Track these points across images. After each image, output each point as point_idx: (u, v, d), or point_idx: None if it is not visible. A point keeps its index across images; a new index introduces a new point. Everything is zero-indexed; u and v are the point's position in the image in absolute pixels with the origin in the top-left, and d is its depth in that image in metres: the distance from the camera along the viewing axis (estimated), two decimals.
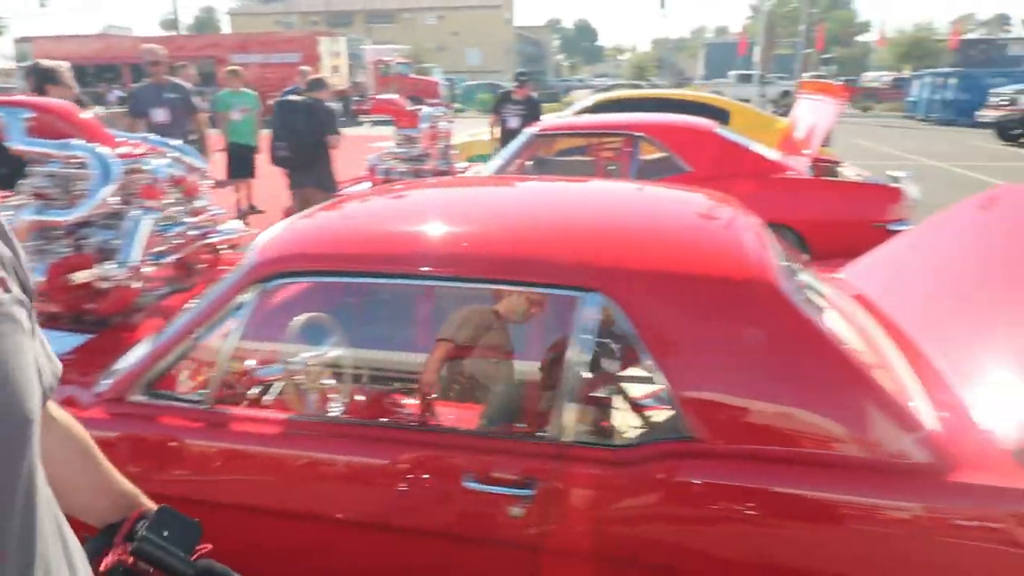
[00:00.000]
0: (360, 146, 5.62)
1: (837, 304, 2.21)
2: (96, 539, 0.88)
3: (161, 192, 2.42)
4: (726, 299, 1.47)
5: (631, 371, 1.49)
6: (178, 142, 2.83)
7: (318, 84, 5.00)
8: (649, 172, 4.83)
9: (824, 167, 5.60)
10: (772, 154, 4.91)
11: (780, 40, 43.53)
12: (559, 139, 5.32)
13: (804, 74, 35.81)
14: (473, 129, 9.95)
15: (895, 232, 4.41)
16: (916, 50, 39.12)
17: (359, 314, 1.95)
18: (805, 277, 2.28)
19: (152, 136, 2.77)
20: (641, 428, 1.54)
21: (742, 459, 1.41)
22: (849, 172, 5.31)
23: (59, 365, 0.74)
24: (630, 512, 1.44)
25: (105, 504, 0.90)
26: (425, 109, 5.70)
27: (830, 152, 7.38)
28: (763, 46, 29.30)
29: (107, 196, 2.27)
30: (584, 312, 1.51)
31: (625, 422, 1.57)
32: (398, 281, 1.57)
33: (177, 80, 5.28)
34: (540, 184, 2.28)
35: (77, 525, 0.74)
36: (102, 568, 0.85)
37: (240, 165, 7.29)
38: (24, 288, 0.66)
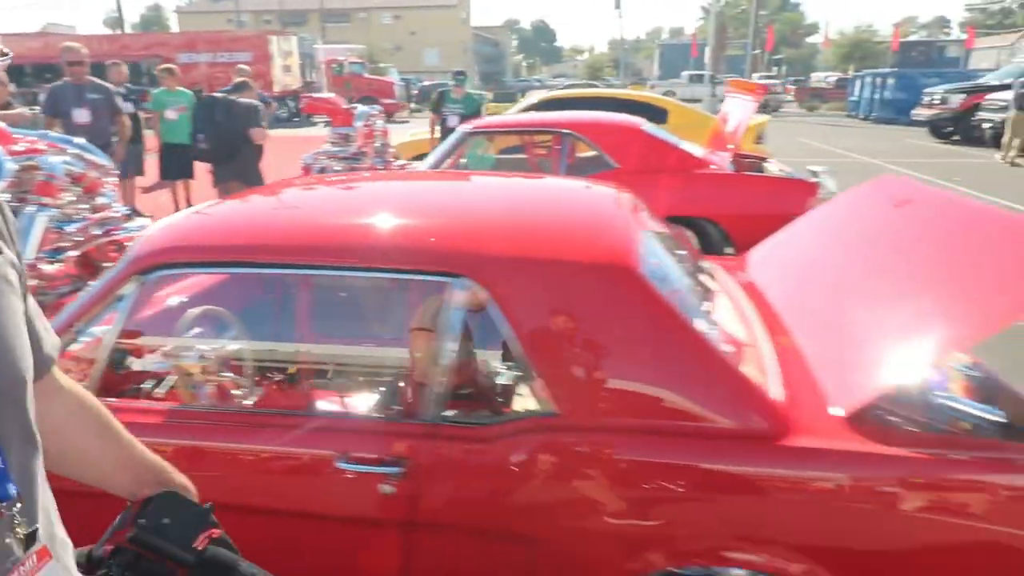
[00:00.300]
0: (312, 146, 5.62)
1: (725, 289, 2.33)
2: (117, 520, 0.86)
3: (58, 189, 2.40)
4: (586, 282, 1.55)
5: (498, 352, 1.57)
6: (81, 140, 2.80)
7: (242, 87, 5.06)
8: (578, 168, 4.94)
9: (750, 163, 5.80)
10: (697, 150, 5.07)
11: (731, 41, 44.53)
12: (493, 137, 5.40)
13: (755, 75, 36.78)
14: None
15: None
16: (857, 51, 40.55)
17: (246, 305, 1.97)
18: (700, 266, 2.40)
19: (52, 133, 2.74)
20: (508, 406, 1.62)
21: (600, 432, 1.50)
22: (773, 168, 5.51)
23: (57, 339, 0.74)
24: (497, 486, 1.51)
25: (128, 478, 0.88)
26: (360, 108, 5.72)
27: (763, 149, 7.64)
28: (713, 47, 29.98)
29: None
30: (450, 296, 1.57)
31: (493, 401, 1.64)
32: (272, 271, 1.61)
33: (99, 80, 5.18)
34: (425, 178, 2.34)
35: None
36: (103, 555, 0.83)
37: (177, 165, 7.17)
38: (17, 255, 0.67)
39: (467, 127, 5.07)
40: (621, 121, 5.10)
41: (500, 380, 1.66)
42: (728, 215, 4.68)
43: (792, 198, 4.69)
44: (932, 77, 19.75)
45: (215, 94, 5.08)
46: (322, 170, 5.58)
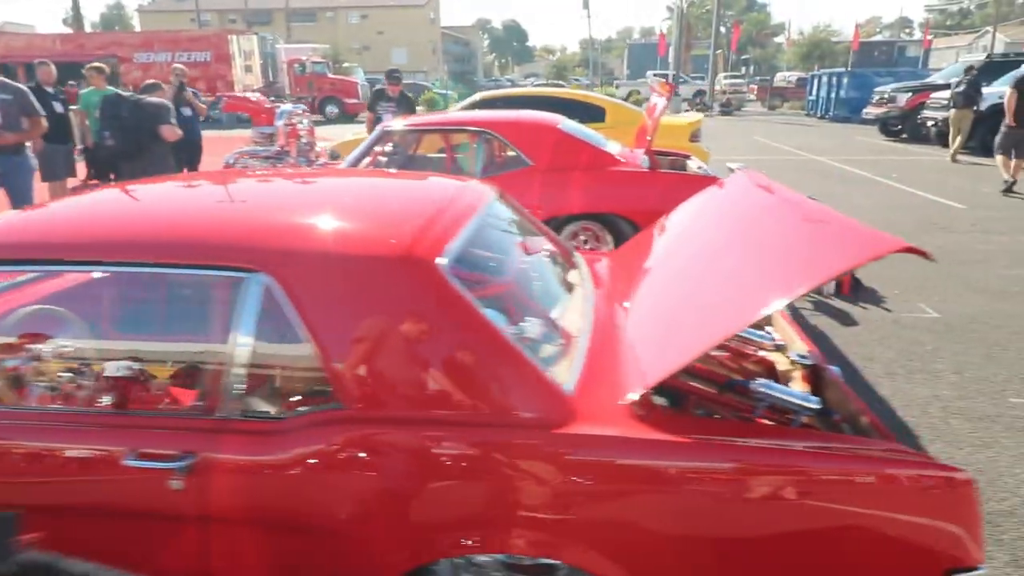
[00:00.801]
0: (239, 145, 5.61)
1: (577, 282, 2.37)
2: None
3: None
4: (374, 275, 1.57)
5: (291, 347, 1.58)
6: None
7: (152, 87, 5.04)
8: (495, 166, 4.98)
9: (673, 161, 5.89)
10: (614, 148, 5.13)
11: (698, 41, 44.95)
12: (412, 136, 5.41)
13: (721, 74, 37.24)
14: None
15: None
16: (816, 51, 41.28)
17: (53, 302, 1.96)
18: (560, 261, 2.44)
19: None
20: (297, 400, 1.63)
21: (383, 423, 1.52)
22: (693, 165, 5.60)
23: None
24: (284, 480, 1.52)
25: None
26: (283, 106, 5.69)
27: (698, 147, 7.75)
28: (677, 47, 30.29)
29: None
30: (247, 291, 1.58)
31: (283, 395, 1.66)
32: (72, 268, 1.61)
33: (10, 81, 5.06)
34: (261, 176, 2.34)
35: None
36: None
37: (106, 165, 7.06)
38: None
39: (383, 126, 5.08)
40: (537, 120, 5.14)
41: (292, 374, 1.68)
42: (639, 211, 4.74)
43: None
44: (885, 76, 20.19)
45: (121, 92, 5.03)
46: (244, 168, 5.54)
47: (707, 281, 1.97)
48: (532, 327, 1.85)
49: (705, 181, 4.88)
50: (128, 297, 1.90)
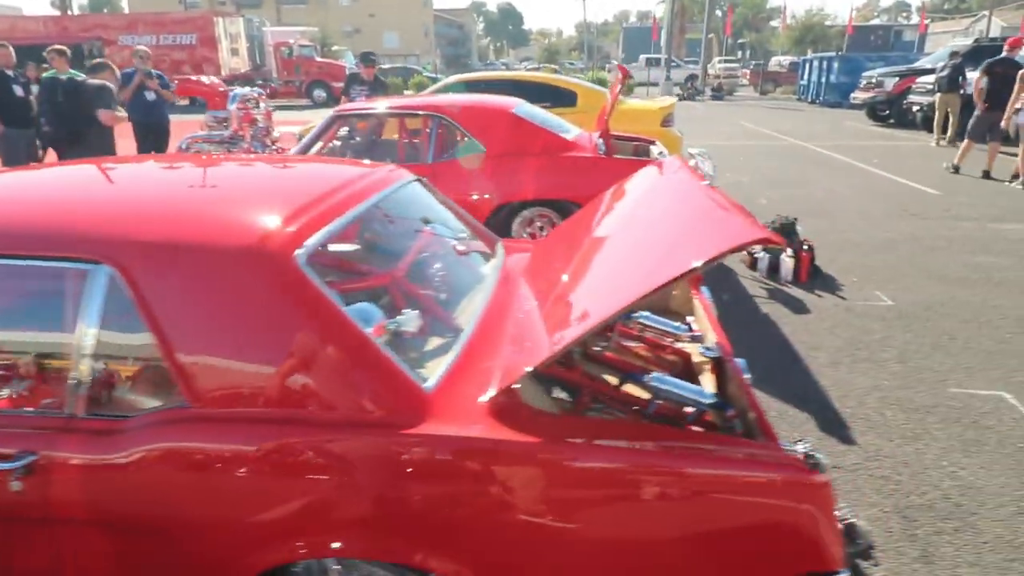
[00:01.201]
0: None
1: (487, 273, 2.30)
2: None
3: None
4: (221, 269, 1.50)
5: (136, 342, 1.52)
6: None
7: (100, 67, 4.85)
8: (448, 151, 4.89)
9: (636, 146, 5.80)
10: (570, 133, 5.04)
11: (693, 24, 44.47)
12: (365, 120, 5.31)
13: (716, 58, 36.92)
14: None
15: None
16: (808, 35, 40.91)
17: None
18: (474, 251, 2.37)
19: None
20: (142, 398, 1.57)
21: (228, 422, 1.46)
22: (654, 151, 5.51)
23: None
24: (128, 480, 1.47)
25: None
26: (236, 90, 5.57)
27: (671, 132, 7.65)
28: (669, 30, 29.95)
29: None
30: (92, 284, 1.52)
31: (128, 393, 1.60)
32: None
33: None
34: (122, 164, 2.26)
35: None
36: None
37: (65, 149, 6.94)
38: None
39: (334, 110, 4.98)
40: (491, 104, 5.04)
41: (137, 371, 1.61)
42: (591, 197, 4.66)
43: None
44: (876, 61, 20.02)
45: (58, 75, 4.89)
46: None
47: (592, 272, 1.91)
48: (408, 321, 1.78)
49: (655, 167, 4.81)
50: None
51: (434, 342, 1.78)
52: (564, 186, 4.68)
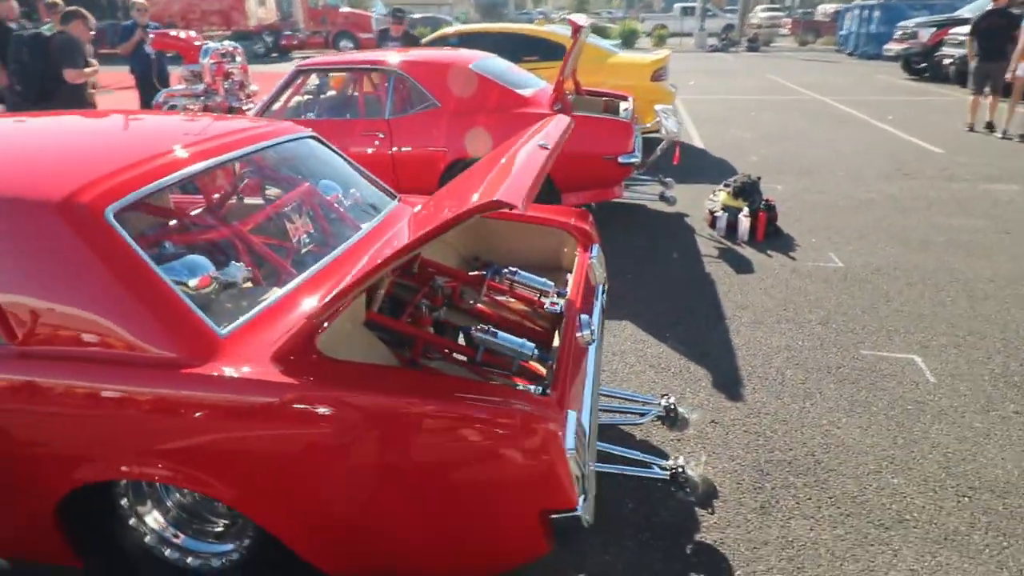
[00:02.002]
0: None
1: (348, 233, 2.41)
2: None
3: None
4: (23, 218, 1.64)
5: None
6: None
7: (69, 17, 4.86)
8: (403, 107, 4.94)
9: (607, 102, 5.74)
10: (528, 90, 5.02)
11: None
12: (328, 75, 5.37)
13: (759, 7, 35.21)
14: None
15: (625, 165, 4.62)
16: None
17: None
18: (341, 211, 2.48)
19: None
20: None
21: (38, 359, 1.63)
22: (622, 107, 5.45)
23: None
24: None
25: None
26: (208, 44, 5.67)
27: (662, 87, 7.50)
28: None
29: None
30: None
31: None
32: None
33: None
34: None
35: None
36: None
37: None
38: None
39: (300, 65, 5.06)
40: (448, 59, 5.05)
41: None
42: None
43: (605, 139, 4.69)
44: (920, 10, 18.89)
45: (20, 30, 4.99)
46: (171, 108, 5.59)
47: (412, 225, 2.00)
48: (232, 273, 1.92)
49: (607, 124, 4.78)
50: None
51: (255, 294, 1.91)
52: None
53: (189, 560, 1.88)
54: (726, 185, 5.24)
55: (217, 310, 1.79)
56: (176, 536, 1.88)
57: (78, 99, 4.73)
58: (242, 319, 1.74)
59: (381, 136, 4.77)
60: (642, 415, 2.63)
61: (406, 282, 2.47)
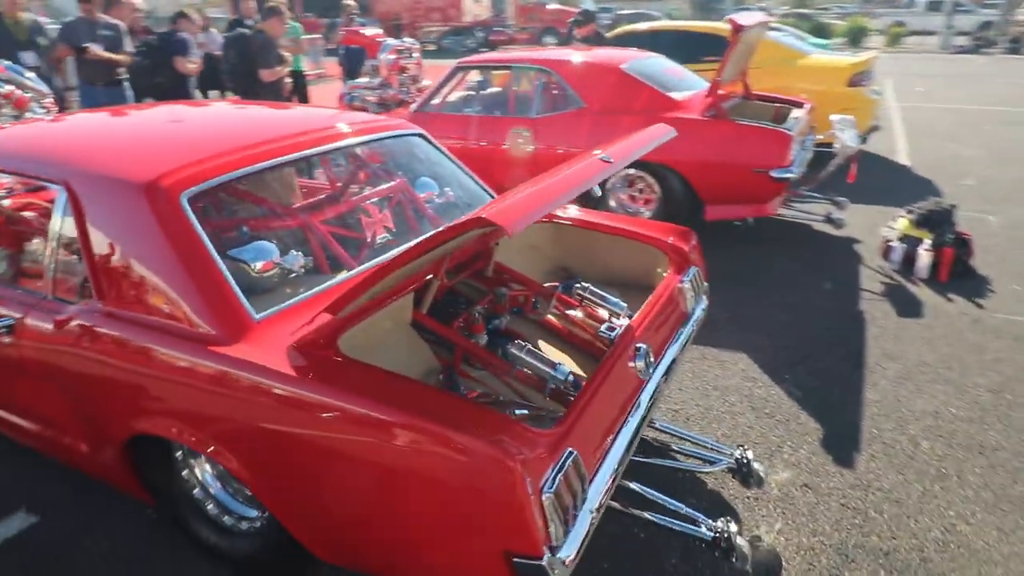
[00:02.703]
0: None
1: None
2: None
3: None
4: (122, 198, 1.87)
5: (76, 249, 1.97)
6: (32, 73, 3.63)
7: (270, 12, 5.33)
8: (550, 106, 4.91)
9: (779, 109, 5.23)
10: (684, 93, 4.72)
11: None
12: (484, 72, 5.50)
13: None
14: None
15: (778, 180, 4.18)
16: None
17: None
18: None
19: (4, 62, 3.55)
20: (79, 293, 2.01)
21: (113, 318, 1.86)
22: (794, 115, 4.91)
23: None
24: (60, 349, 1.95)
25: None
26: (388, 41, 6.09)
27: (861, 93, 6.67)
28: None
29: None
30: (58, 200, 2.01)
31: (75, 286, 2.04)
32: None
33: (111, 19, 5.40)
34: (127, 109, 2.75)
35: None
36: None
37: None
38: None
39: (460, 62, 5.24)
40: (599, 59, 4.90)
41: (73, 271, 2.06)
42: (683, 163, 4.38)
43: (755, 148, 4.26)
44: None
45: (240, 31, 5.58)
46: (352, 99, 6.11)
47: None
48: (290, 262, 2.04)
49: (761, 134, 4.33)
50: None
51: (306, 283, 2.00)
52: (663, 148, 4.44)
53: (225, 519, 2.04)
54: (909, 211, 4.49)
55: (267, 295, 1.91)
56: (216, 492, 2.06)
57: (275, 94, 5.27)
58: (279, 306, 1.83)
59: (526, 135, 4.78)
60: (711, 463, 2.35)
61: (478, 284, 2.45)
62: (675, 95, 4.65)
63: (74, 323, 1.92)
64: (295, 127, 2.38)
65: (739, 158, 4.27)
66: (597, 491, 1.60)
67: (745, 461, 2.25)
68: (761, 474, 2.24)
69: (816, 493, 2.39)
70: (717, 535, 1.94)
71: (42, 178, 2.05)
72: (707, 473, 2.41)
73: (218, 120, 2.62)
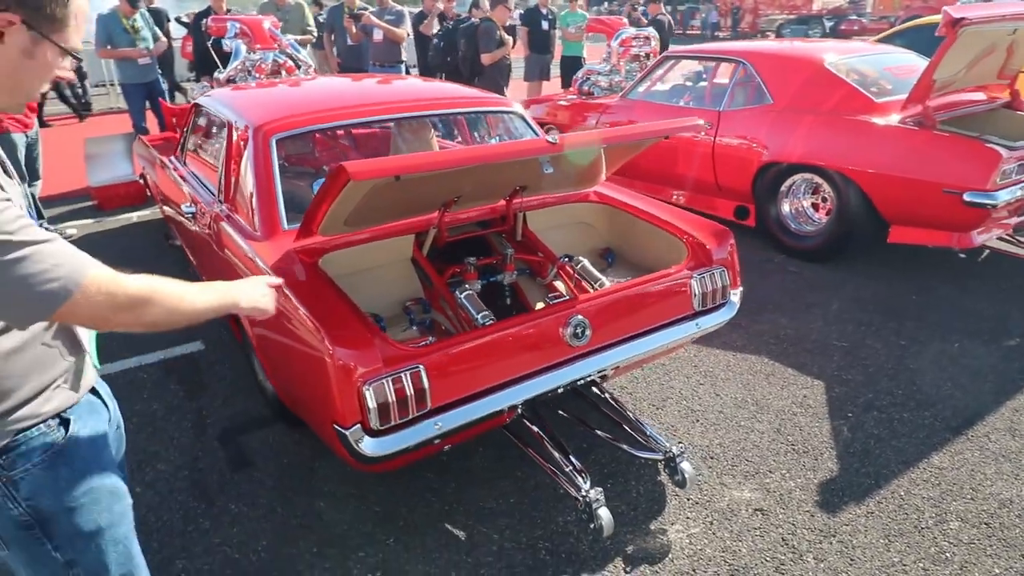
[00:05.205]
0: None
1: None
2: None
3: (261, 70, 4.56)
4: (250, 137, 2.71)
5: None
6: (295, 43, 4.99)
7: (497, 1, 6.04)
8: (739, 100, 4.74)
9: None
10: (888, 97, 4.11)
11: None
12: (690, 61, 5.43)
13: None
14: None
15: (972, 205, 3.57)
16: None
17: None
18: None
19: (289, 38, 4.88)
20: None
21: (226, 218, 2.74)
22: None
23: None
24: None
25: None
26: (625, 29, 6.35)
27: None
28: None
29: None
30: (224, 135, 2.97)
31: None
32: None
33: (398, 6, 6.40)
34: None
35: None
36: None
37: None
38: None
39: (667, 53, 5.31)
40: (799, 53, 4.50)
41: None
42: (864, 173, 3.88)
43: (951, 166, 3.60)
44: None
45: (460, 21, 6.36)
46: (583, 83, 6.56)
47: None
48: None
49: (967, 149, 3.60)
50: None
51: None
52: (831, 153, 4.02)
53: None
54: None
55: None
56: None
57: (498, 74, 6.06)
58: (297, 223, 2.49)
59: (708, 127, 4.71)
60: (648, 450, 2.36)
61: (507, 243, 2.80)
62: (878, 97, 4.10)
63: (213, 212, 2.86)
64: (394, 96, 3.02)
65: (927, 174, 3.66)
66: (466, 412, 1.93)
67: (674, 458, 2.24)
68: (686, 476, 2.21)
69: (764, 520, 2.25)
70: (585, 499, 2.05)
71: (220, 121, 3.04)
72: (639, 458, 2.41)
73: (343, 88, 3.41)
